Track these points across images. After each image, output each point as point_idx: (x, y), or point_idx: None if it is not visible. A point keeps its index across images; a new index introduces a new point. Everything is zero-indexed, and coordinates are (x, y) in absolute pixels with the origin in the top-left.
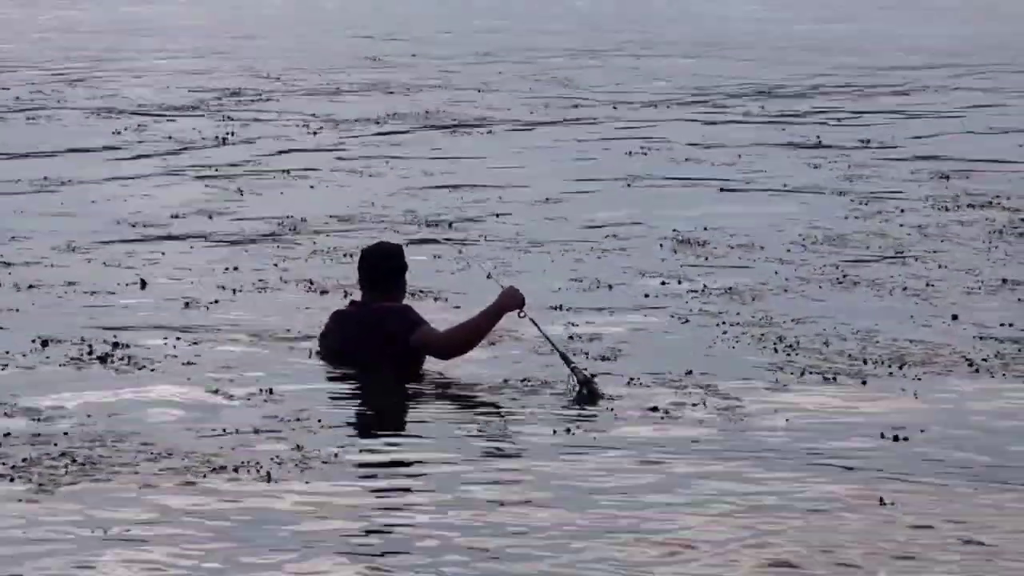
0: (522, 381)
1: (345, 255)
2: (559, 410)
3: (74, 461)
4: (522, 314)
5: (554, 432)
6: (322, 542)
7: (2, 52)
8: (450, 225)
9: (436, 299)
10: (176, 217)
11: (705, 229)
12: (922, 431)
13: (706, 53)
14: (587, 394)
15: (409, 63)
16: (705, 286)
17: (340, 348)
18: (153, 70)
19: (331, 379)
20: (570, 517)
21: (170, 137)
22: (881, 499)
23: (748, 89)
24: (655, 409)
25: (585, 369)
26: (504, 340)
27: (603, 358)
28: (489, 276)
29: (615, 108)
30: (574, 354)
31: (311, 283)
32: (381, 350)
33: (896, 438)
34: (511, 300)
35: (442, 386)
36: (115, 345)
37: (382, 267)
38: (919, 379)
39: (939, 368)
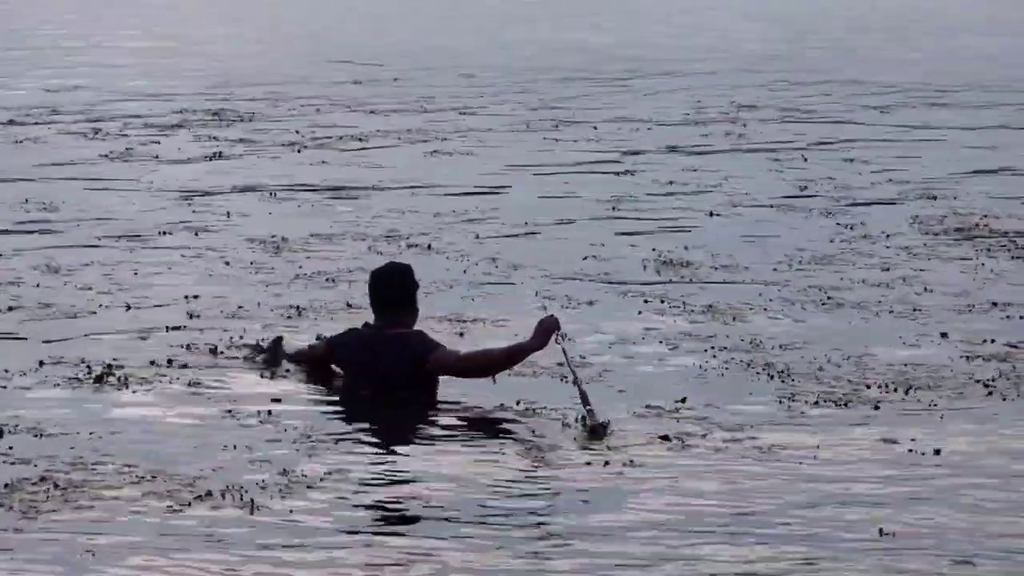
0: (526, 406)
1: (328, 278)
2: (560, 439)
3: (56, 486)
4: (558, 340)
5: (588, 464)
6: (307, 569)
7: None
8: (429, 247)
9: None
10: (164, 234)
11: (686, 248)
12: (940, 459)
13: (688, 72)
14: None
15: (392, 85)
16: (688, 306)
17: (357, 368)
18: (135, 89)
19: (323, 402)
20: (575, 551)
21: (156, 157)
22: (881, 531)
23: (732, 110)
24: (666, 438)
25: (599, 419)
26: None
27: (592, 383)
28: (544, 308)
29: (595, 128)
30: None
31: (295, 306)
32: (406, 376)
33: (942, 457)
34: (545, 336)
35: (440, 410)
36: (97, 366)
37: (397, 287)
38: (934, 404)
39: (950, 392)
